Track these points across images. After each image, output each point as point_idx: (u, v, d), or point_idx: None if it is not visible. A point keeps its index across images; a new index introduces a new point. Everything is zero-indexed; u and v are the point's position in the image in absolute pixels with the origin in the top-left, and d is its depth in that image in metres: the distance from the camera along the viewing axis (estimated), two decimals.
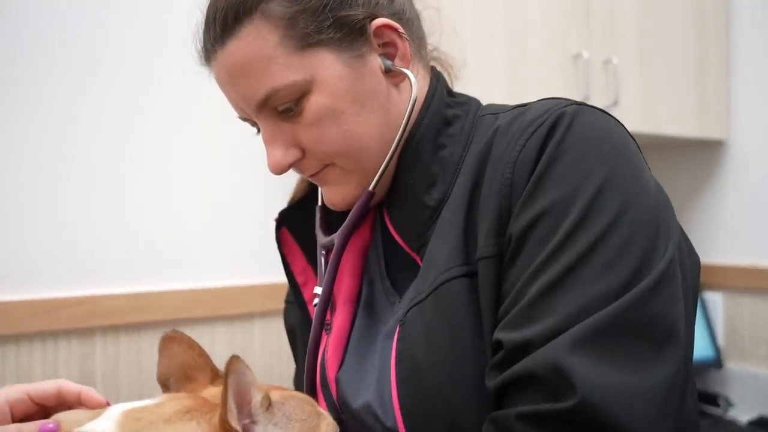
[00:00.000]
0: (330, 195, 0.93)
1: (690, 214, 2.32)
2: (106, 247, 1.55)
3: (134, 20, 1.59)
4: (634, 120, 1.91)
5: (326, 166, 0.89)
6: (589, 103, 0.83)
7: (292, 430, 0.72)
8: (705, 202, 2.28)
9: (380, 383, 0.87)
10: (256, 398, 0.72)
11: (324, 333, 0.96)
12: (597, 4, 1.86)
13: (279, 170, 0.90)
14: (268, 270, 1.65)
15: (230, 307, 1.67)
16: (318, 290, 0.93)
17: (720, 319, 2.22)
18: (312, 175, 0.91)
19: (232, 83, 0.86)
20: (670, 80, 2.02)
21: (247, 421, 0.70)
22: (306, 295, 1.04)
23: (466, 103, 0.94)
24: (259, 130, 0.91)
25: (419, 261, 0.89)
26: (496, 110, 0.91)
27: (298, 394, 0.77)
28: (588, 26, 1.84)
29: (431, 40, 0.99)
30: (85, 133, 1.53)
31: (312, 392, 0.96)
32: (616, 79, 1.86)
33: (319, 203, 0.99)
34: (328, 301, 0.93)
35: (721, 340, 2.22)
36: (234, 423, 0.68)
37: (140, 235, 1.58)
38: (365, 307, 0.98)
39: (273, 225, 1.03)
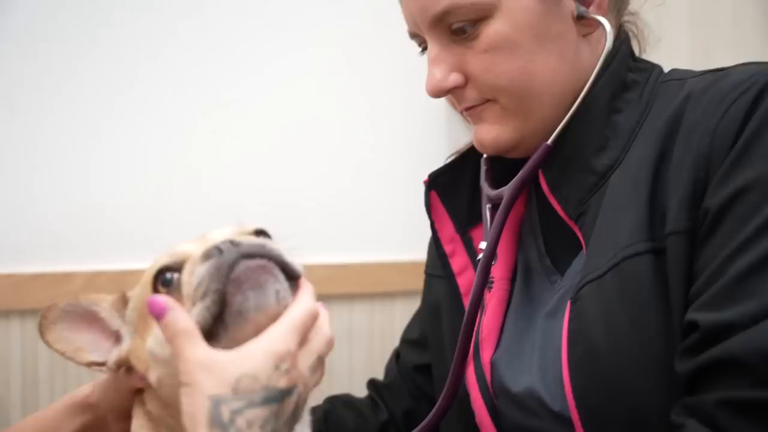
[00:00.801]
0: (481, 134, 0.90)
1: None
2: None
3: None
4: None
5: (487, 101, 0.87)
6: None
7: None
8: None
9: (543, 366, 0.85)
10: (104, 309, 0.78)
11: (486, 291, 0.95)
12: None
13: (437, 92, 0.88)
14: (412, 247, 1.57)
15: (370, 285, 1.63)
16: (483, 245, 0.91)
17: None
18: (468, 109, 0.89)
19: None
20: None
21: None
22: (454, 267, 1.00)
23: (647, 70, 0.90)
24: (425, 50, 0.90)
25: (578, 232, 0.85)
26: (681, 75, 0.87)
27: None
28: None
29: (632, 7, 0.96)
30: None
31: (458, 369, 0.93)
32: None
33: (485, 155, 0.97)
34: (492, 256, 0.91)
35: None
36: (96, 357, 0.77)
37: (282, 206, 1.54)
38: (522, 285, 0.95)
39: (419, 199, 1.01)
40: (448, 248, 1.01)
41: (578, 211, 0.85)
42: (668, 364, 0.73)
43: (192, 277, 0.67)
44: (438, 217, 1.02)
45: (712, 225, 0.73)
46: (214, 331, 0.66)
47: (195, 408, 0.62)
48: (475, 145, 0.93)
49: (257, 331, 0.66)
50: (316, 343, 0.69)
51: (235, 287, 0.65)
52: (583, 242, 0.85)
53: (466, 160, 1.01)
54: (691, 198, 0.75)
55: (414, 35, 0.91)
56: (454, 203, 1.00)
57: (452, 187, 1.01)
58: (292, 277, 0.69)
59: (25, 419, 0.86)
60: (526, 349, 0.90)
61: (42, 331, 0.77)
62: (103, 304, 0.80)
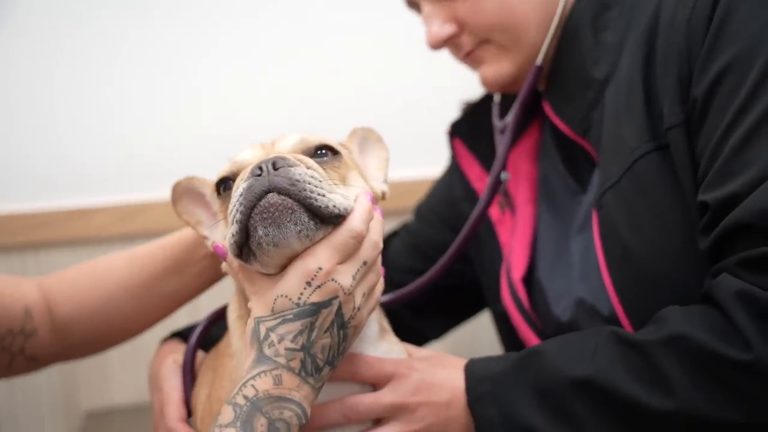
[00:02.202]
0: (485, 73, 0.99)
1: None
2: None
3: None
4: None
5: (482, 43, 0.93)
6: None
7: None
8: None
9: (586, 275, 0.90)
10: (208, 194, 0.86)
11: (497, 208, 1.02)
12: None
13: (435, 43, 0.97)
14: None
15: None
16: (504, 175, 0.97)
17: None
18: (467, 55, 0.94)
19: None
20: None
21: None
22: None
23: None
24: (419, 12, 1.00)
25: (588, 146, 0.89)
26: None
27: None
28: None
29: None
30: None
31: (447, 262, 0.97)
32: None
33: (496, 97, 1.04)
34: (499, 180, 0.96)
35: None
36: (207, 233, 0.85)
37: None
38: (547, 208, 1.00)
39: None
40: (477, 186, 1.07)
41: (584, 127, 0.90)
42: (693, 248, 0.77)
43: (234, 195, 0.70)
44: (464, 160, 1.08)
45: (702, 111, 0.77)
46: (249, 253, 0.69)
47: (247, 328, 0.71)
48: (483, 86, 0.99)
49: (283, 260, 0.69)
50: (361, 251, 0.72)
51: (257, 220, 0.67)
52: (594, 155, 0.89)
53: (482, 107, 1.08)
54: (680, 91, 0.78)
55: (411, 4, 0.98)
56: (478, 145, 1.07)
57: (474, 131, 1.07)
58: (324, 216, 0.69)
59: (157, 241, 0.93)
60: (563, 265, 0.94)
61: (173, 203, 0.84)
62: (207, 189, 0.86)
